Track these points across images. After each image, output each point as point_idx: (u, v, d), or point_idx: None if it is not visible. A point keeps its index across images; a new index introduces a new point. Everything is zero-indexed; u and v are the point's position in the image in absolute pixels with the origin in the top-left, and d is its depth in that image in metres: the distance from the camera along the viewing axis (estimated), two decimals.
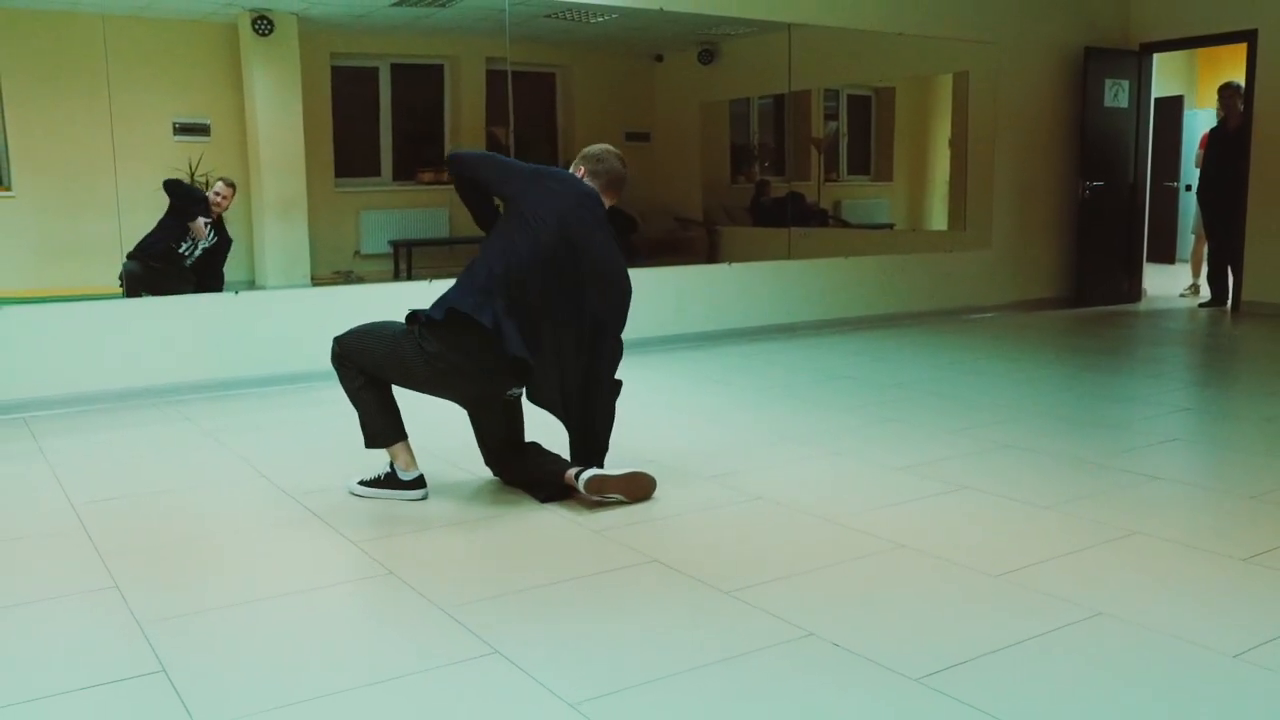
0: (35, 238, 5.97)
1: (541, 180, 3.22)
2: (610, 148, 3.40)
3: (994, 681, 2.01)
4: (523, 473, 3.34)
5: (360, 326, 3.28)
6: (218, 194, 5.72)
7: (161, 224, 5.55)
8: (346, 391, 3.27)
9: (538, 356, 3.14)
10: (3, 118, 5.94)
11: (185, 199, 5.66)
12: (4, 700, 1.99)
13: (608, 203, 3.34)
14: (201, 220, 5.64)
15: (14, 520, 3.14)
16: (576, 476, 3.16)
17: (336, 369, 3.26)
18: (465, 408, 3.37)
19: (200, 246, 5.66)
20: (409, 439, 3.30)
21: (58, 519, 3.12)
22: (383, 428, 3.27)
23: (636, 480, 3.19)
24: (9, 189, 5.95)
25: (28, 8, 5.85)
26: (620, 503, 3.17)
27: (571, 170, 3.36)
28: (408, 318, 3.20)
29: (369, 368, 3.21)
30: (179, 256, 5.64)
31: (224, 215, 5.86)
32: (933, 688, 1.98)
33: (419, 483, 3.29)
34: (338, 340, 3.26)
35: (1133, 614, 2.31)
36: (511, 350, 3.06)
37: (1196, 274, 8.76)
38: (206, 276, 5.81)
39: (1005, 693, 1.96)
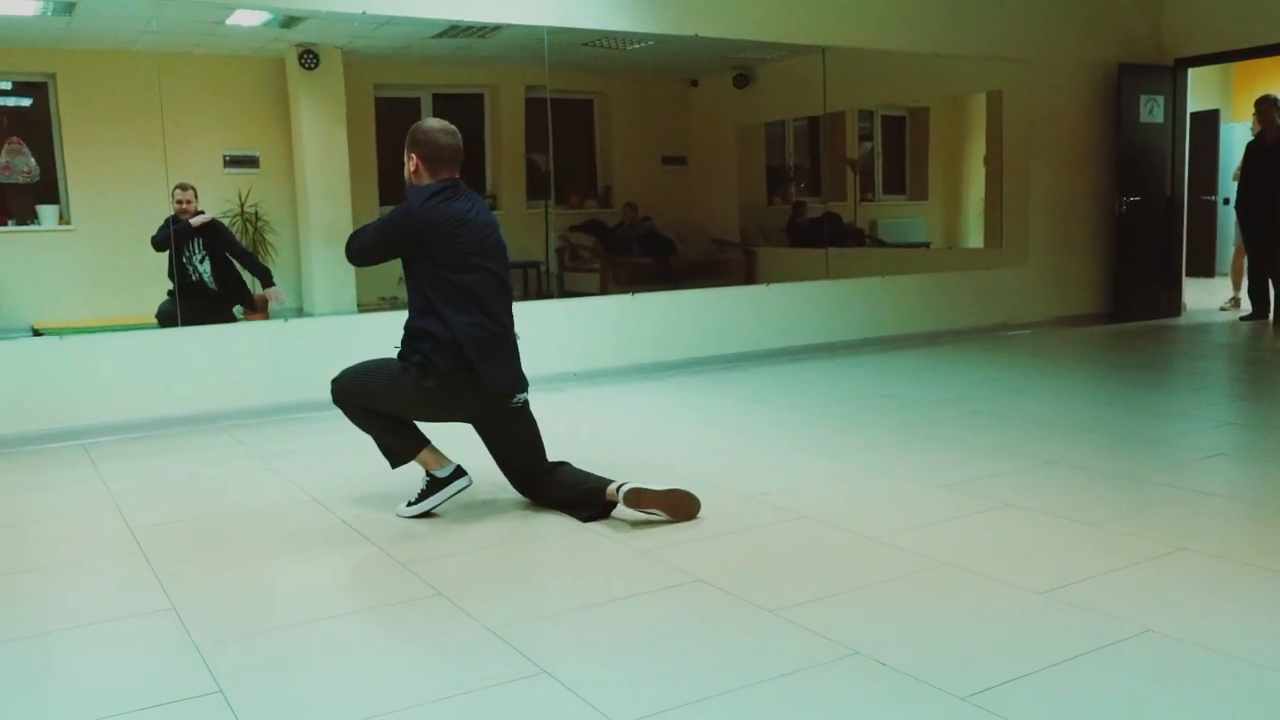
0: (94, 269, 6.12)
1: (430, 229, 3.20)
2: (432, 125, 3.30)
3: (1042, 699, 2.01)
4: (560, 495, 3.35)
5: (355, 367, 3.35)
6: (178, 202, 5.73)
7: (170, 264, 5.67)
8: (354, 423, 3.36)
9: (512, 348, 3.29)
10: (63, 155, 6.12)
11: (160, 238, 5.67)
12: None
13: (456, 173, 3.33)
14: (184, 226, 5.68)
15: (74, 544, 3.23)
16: (617, 490, 3.20)
17: (340, 408, 3.35)
18: (473, 424, 3.40)
19: (199, 259, 5.74)
20: (431, 442, 3.36)
21: (116, 542, 3.19)
22: (400, 444, 3.35)
23: (676, 497, 3.20)
24: (69, 223, 6.11)
25: (85, 48, 6.03)
26: (663, 520, 3.19)
27: (405, 157, 3.32)
28: (399, 355, 3.28)
29: (372, 405, 3.28)
30: (201, 284, 5.75)
31: (217, 222, 5.89)
32: (980, 706, 1.98)
33: (458, 473, 3.34)
34: (335, 383, 3.33)
35: (1182, 631, 2.30)
36: (500, 389, 3.23)
37: (1237, 287, 8.66)
38: (234, 288, 5.89)
39: (1054, 711, 1.97)
